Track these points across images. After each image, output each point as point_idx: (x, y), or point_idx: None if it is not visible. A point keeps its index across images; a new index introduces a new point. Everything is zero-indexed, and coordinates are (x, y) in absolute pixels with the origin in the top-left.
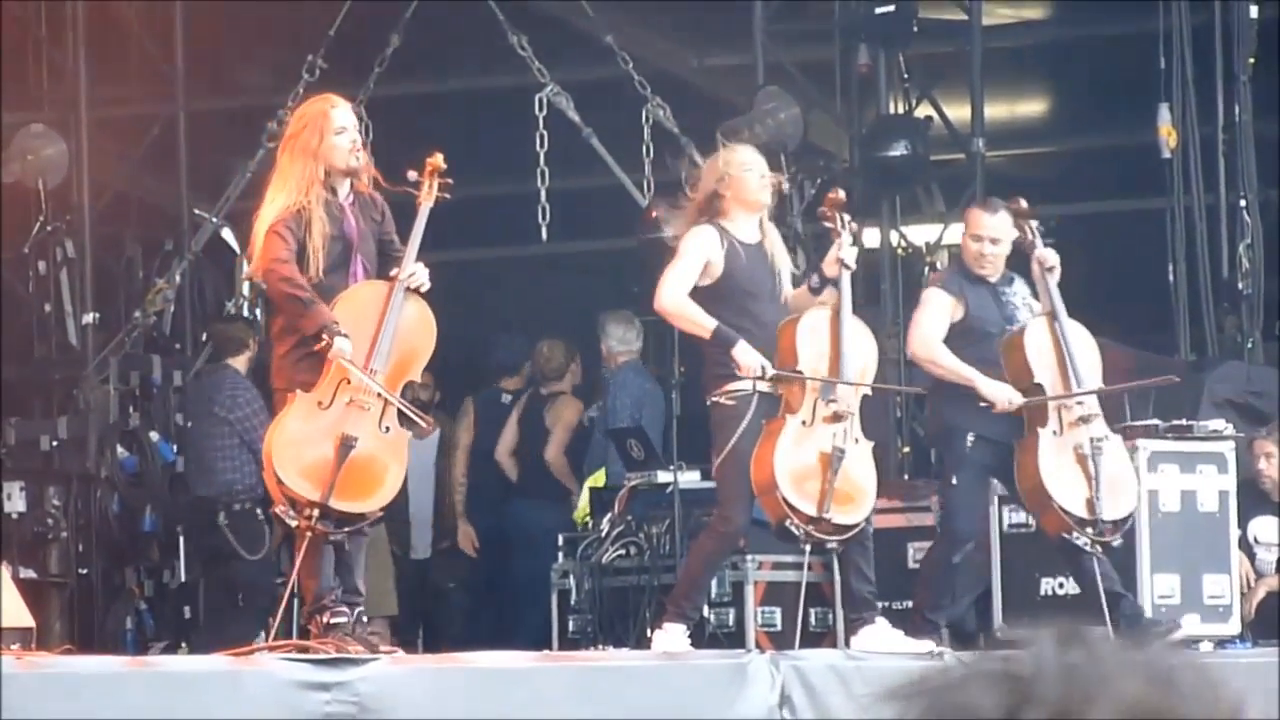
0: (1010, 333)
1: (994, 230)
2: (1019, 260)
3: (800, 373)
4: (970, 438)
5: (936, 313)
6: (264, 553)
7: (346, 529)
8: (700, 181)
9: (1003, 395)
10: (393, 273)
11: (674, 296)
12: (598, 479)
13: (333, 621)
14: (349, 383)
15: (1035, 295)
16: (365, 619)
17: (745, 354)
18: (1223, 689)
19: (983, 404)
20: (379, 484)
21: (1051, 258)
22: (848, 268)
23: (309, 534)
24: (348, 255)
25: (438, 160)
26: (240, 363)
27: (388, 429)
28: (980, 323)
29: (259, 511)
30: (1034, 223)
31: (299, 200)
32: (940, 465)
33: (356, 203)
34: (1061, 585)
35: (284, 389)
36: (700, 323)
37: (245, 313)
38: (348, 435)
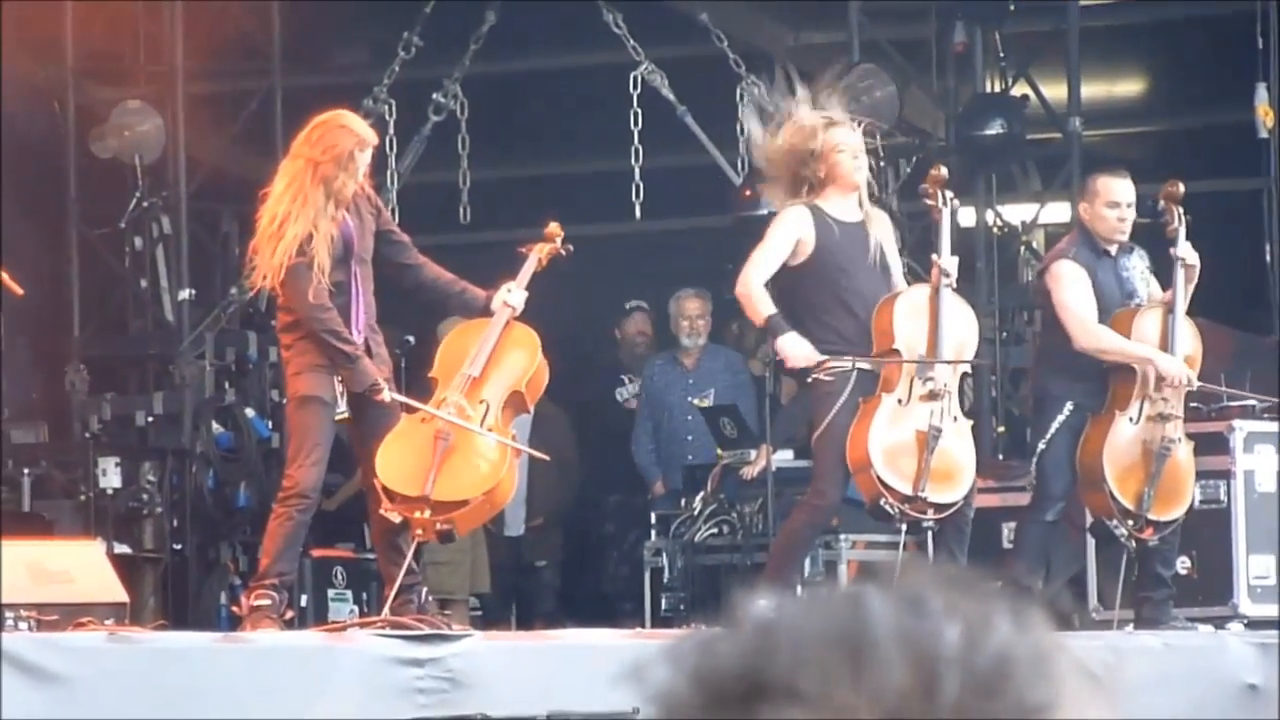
0: (1124, 311)
1: (1129, 194)
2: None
3: (843, 354)
4: (1069, 406)
5: (1082, 292)
6: None
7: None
8: (786, 153)
9: (1181, 371)
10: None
11: (746, 284)
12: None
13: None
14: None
15: (1152, 271)
16: (428, 595)
17: (791, 345)
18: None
19: (1162, 377)
20: (473, 472)
21: (1190, 254)
22: (947, 276)
23: (419, 529)
24: (347, 255)
25: (559, 244)
26: None
27: (488, 429)
28: (1099, 299)
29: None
30: (1180, 209)
31: (309, 228)
32: (1034, 434)
33: (353, 204)
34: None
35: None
36: (759, 310)
37: None
38: (441, 430)
